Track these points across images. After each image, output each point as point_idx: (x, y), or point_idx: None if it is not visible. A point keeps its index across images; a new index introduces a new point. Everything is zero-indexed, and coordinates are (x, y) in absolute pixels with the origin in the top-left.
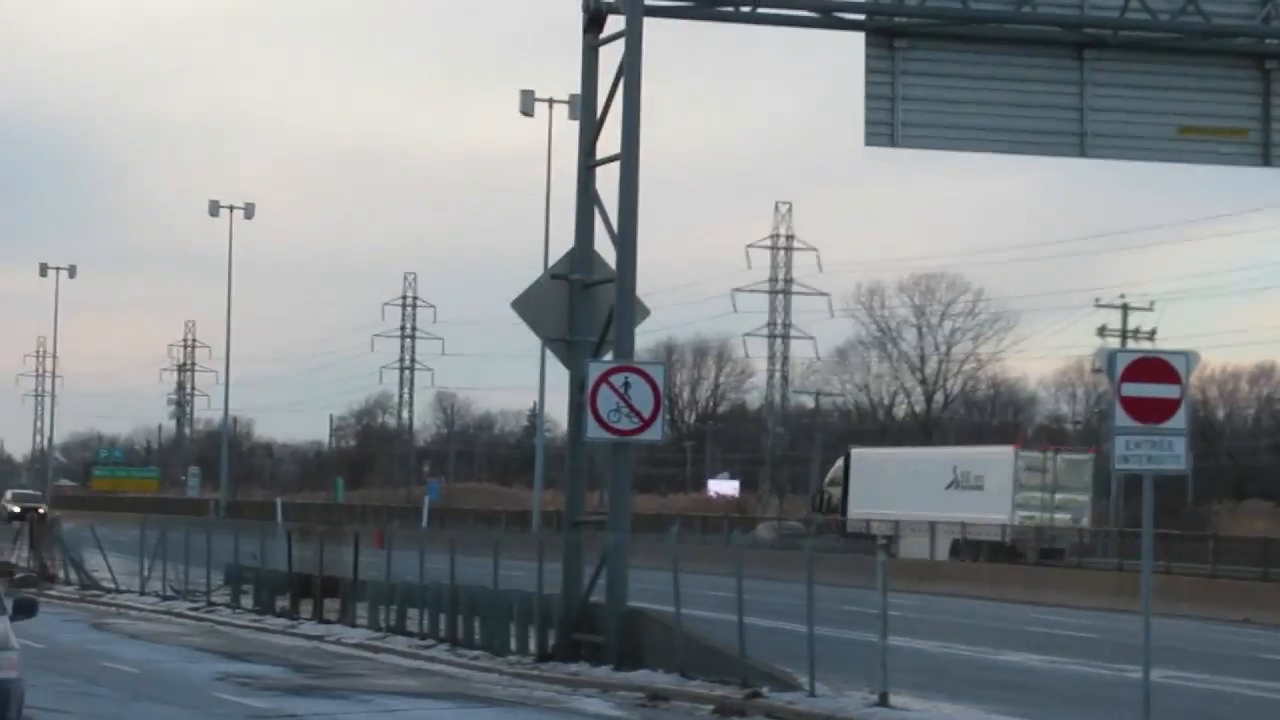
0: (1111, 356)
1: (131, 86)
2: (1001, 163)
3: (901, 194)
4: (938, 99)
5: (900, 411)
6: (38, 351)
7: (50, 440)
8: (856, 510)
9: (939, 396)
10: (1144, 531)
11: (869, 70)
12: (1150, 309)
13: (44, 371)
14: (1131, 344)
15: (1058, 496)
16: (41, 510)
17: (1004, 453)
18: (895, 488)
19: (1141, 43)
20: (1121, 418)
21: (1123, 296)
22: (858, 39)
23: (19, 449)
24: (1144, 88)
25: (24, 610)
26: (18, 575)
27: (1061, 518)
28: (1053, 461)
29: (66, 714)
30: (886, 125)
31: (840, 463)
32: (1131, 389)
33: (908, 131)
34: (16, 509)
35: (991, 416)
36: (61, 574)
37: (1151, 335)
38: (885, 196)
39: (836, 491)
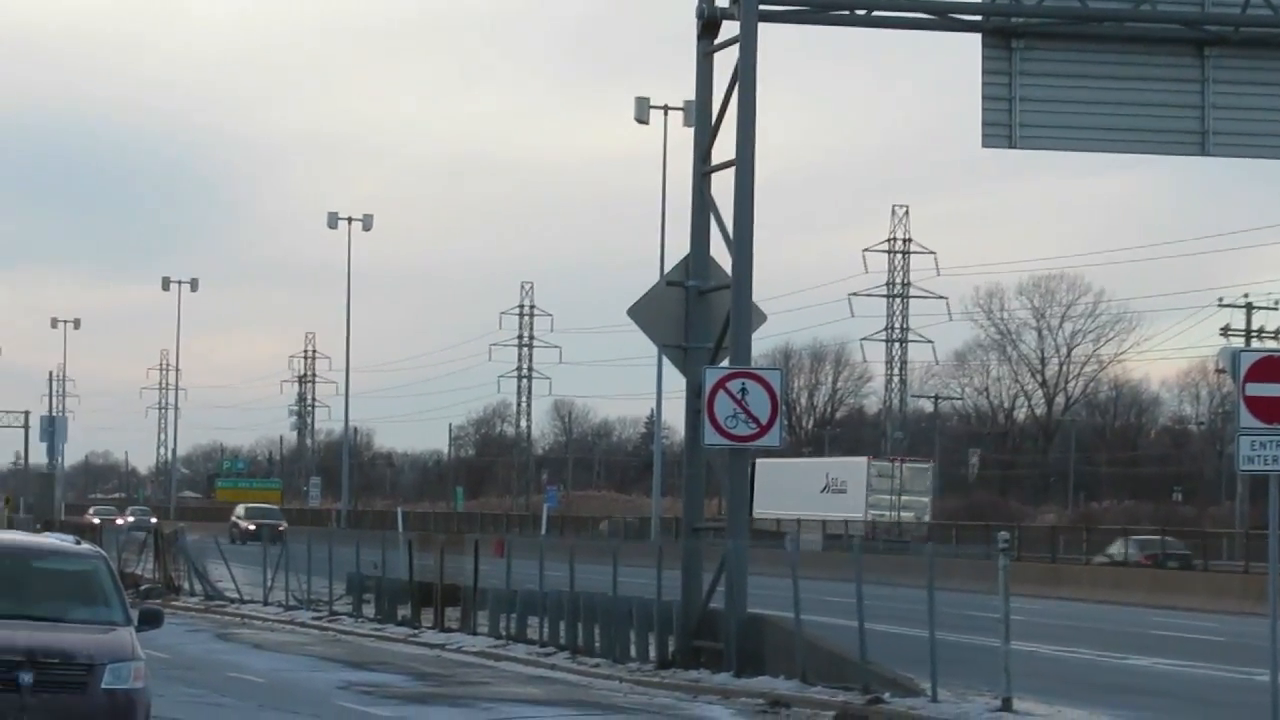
0: (1235, 356)
1: (250, 100)
2: (1113, 161)
3: (1019, 195)
4: (1056, 99)
5: (1021, 414)
6: (161, 365)
7: (174, 452)
8: (760, 511)
9: (1060, 399)
10: (1270, 534)
11: (986, 71)
12: (1275, 308)
13: (167, 384)
14: (1256, 344)
15: (903, 498)
16: (282, 528)
17: (859, 462)
18: (786, 492)
19: (1265, 39)
20: (1246, 418)
21: (1246, 296)
22: (974, 40)
23: (143, 462)
24: (1268, 84)
25: (150, 621)
26: (143, 586)
27: (906, 515)
28: (899, 470)
29: None
30: (1004, 126)
31: (748, 471)
32: (1256, 389)
33: (1025, 132)
34: (252, 527)
35: (1114, 419)
36: (186, 585)
37: (1276, 334)
38: (1003, 198)
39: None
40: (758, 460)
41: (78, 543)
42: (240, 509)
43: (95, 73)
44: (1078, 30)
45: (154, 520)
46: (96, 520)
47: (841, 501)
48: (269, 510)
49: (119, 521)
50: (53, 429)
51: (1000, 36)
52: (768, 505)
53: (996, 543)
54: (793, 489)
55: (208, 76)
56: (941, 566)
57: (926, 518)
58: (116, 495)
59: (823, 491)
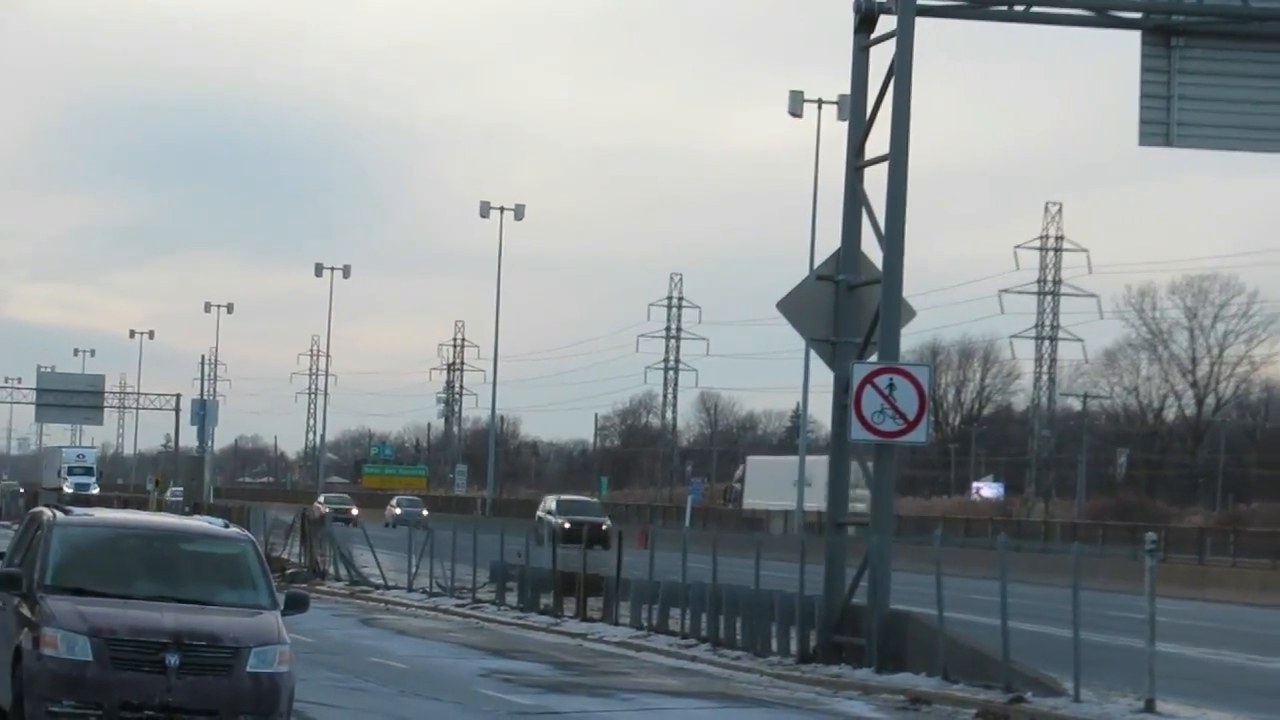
0: None
1: (406, 88)
2: (1269, 161)
3: (1174, 194)
4: (1215, 98)
5: (1170, 414)
6: (312, 350)
7: (322, 438)
8: (749, 502)
9: (1210, 400)
10: None
11: (1144, 69)
12: None
13: (317, 370)
14: None
15: (857, 491)
16: (425, 513)
17: (822, 460)
18: (769, 485)
19: None
20: None
21: None
22: (1132, 38)
23: (292, 446)
24: None
25: (296, 605)
26: (289, 571)
27: (861, 506)
28: (864, 466)
29: (336, 708)
30: (1161, 125)
31: (743, 467)
32: None
33: (1183, 131)
34: (399, 511)
35: (1265, 420)
36: (332, 570)
37: None
38: (1157, 197)
39: (740, 488)
40: (749, 457)
41: (226, 526)
42: (395, 500)
43: (253, 60)
44: (1238, 29)
45: (425, 513)
46: (326, 509)
47: (809, 494)
48: (412, 500)
49: (351, 511)
50: (203, 412)
51: (1160, 34)
52: (755, 497)
53: (1143, 543)
54: (775, 483)
55: (364, 65)
56: (1087, 566)
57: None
58: (265, 479)
59: (795, 484)
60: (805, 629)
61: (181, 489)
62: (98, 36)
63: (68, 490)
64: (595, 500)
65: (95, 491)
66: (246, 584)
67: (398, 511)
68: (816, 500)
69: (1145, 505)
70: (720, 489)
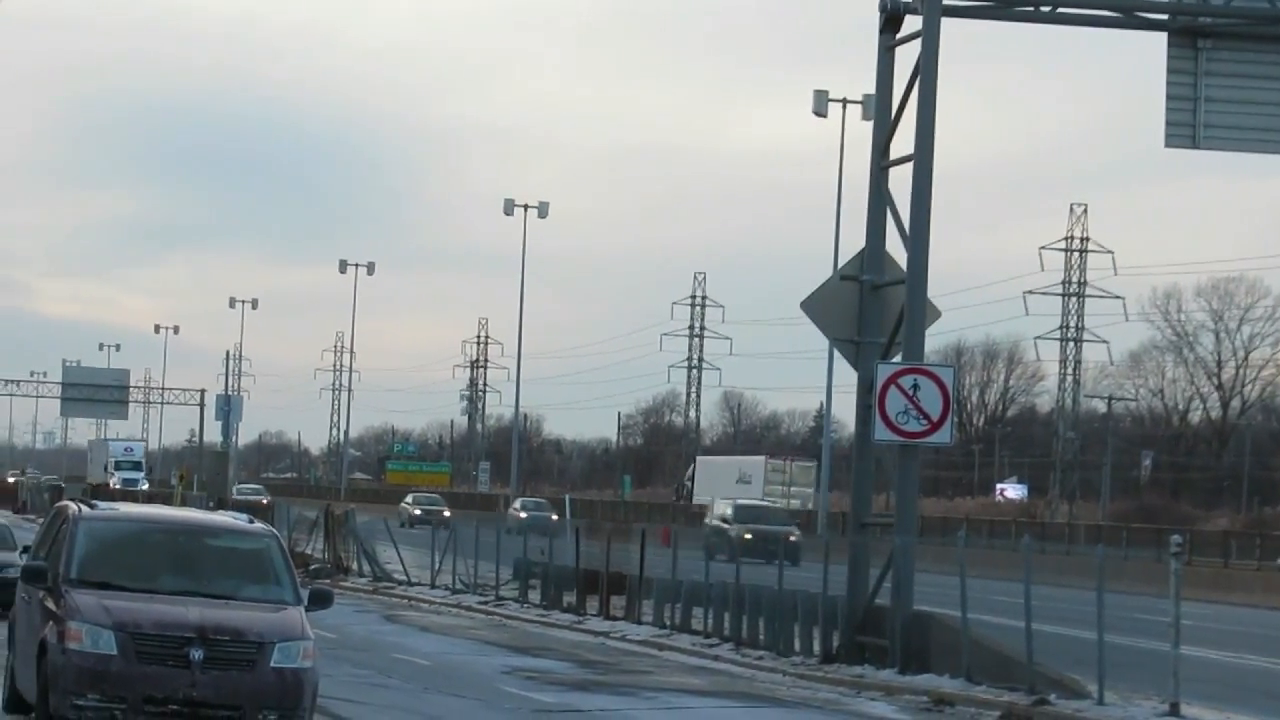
0: None
1: (430, 88)
2: None
3: (1200, 196)
4: (1242, 100)
5: (1195, 417)
6: (336, 347)
7: (346, 434)
8: (699, 497)
9: (1236, 403)
10: None
11: (1170, 71)
12: None
13: (341, 366)
14: None
15: (792, 489)
16: (447, 514)
17: (759, 461)
18: (714, 482)
19: None
20: None
21: None
22: (1158, 39)
23: (315, 442)
24: None
25: (319, 601)
26: (313, 566)
27: (794, 503)
28: (790, 467)
29: (360, 704)
30: (1188, 126)
31: (694, 466)
32: None
33: (1210, 133)
34: (418, 511)
35: None
36: (355, 566)
37: None
38: (1184, 198)
39: (690, 485)
40: (698, 458)
41: (251, 521)
42: (410, 497)
43: (278, 59)
44: (1265, 31)
45: (447, 513)
46: (417, 510)
47: (747, 491)
48: (433, 498)
49: (443, 514)
50: (228, 408)
51: (1186, 36)
52: (703, 492)
53: (1168, 546)
54: (719, 480)
55: (387, 64)
56: (1111, 568)
57: (810, 505)
58: (288, 475)
59: (736, 483)
60: (828, 629)
61: (257, 486)
62: (119, 34)
63: (116, 486)
64: (778, 505)
65: (145, 487)
66: (270, 579)
67: (416, 511)
68: (748, 497)
69: (1170, 508)
70: (674, 486)
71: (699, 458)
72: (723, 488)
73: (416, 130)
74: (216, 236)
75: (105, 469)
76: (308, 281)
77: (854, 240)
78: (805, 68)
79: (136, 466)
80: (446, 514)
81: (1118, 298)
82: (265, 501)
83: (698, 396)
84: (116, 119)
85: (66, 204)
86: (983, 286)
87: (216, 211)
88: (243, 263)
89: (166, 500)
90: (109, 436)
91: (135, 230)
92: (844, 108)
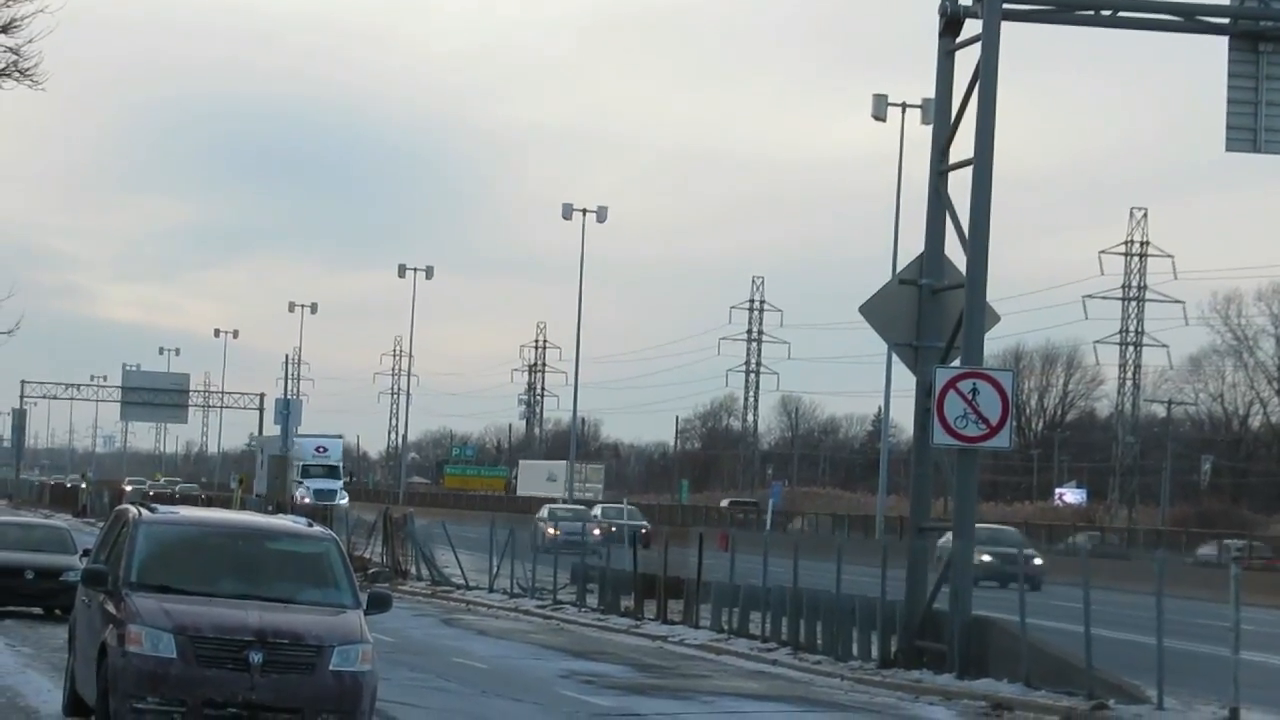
0: None
1: (490, 92)
2: None
3: (1261, 200)
4: None
5: (1255, 422)
6: (394, 351)
7: (404, 438)
8: (522, 491)
9: None
10: None
11: (1231, 75)
12: None
13: (400, 370)
14: None
15: (588, 484)
16: (645, 529)
17: (562, 464)
18: (532, 482)
19: None
20: None
21: None
22: (1219, 43)
23: (374, 447)
24: None
25: (378, 605)
26: (372, 570)
27: (589, 496)
28: (585, 469)
29: (418, 708)
30: (1249, 130)
31: (516, 468)
32: None
33: (1271, 137)
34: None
35: None
36: (413, 569)
37: None
38: (1244, 203)
39: (515, 483)
40: (520, 461)
41: (310, 525)
42: (546, 510)
43: (336, 63)
44: None
45: (598, 532)
46: (611, 528)
47: (554, 488)
48: (576, 511)
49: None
50: (287, 411)
51: (1247, 40)
52: (524, 489)
53: (1228, 550)
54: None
55: (448, 67)
56: (1171, 573)
57: (599, 498)
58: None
59: (547, 480)
60: (886, 634)
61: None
62: (181, 40)
63: (306, 501)
64: (1014, 531)
65: (345, 503)
66: (330, 583)
67: (552, 532)
68: (555, 493)
69: (1229, 513)
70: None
71: (521, 461)
72: (537, 485)
73: (478, 134)
74: (279, 241)
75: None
76: (368, 286)
77: (913, 244)
78: (865, 72)
79: (332, 473)
80: (646, 528)
81: (1178, 302)
82: (645, 529)
83: (756, 401)
84: (182, 124)
85: (132, 209)
86: (1042, 291)
87: (279, 216)
88: (304, 267)
89: (226, 504)
90: (161, 442)
91: (200, 235)
92: (903, 112)
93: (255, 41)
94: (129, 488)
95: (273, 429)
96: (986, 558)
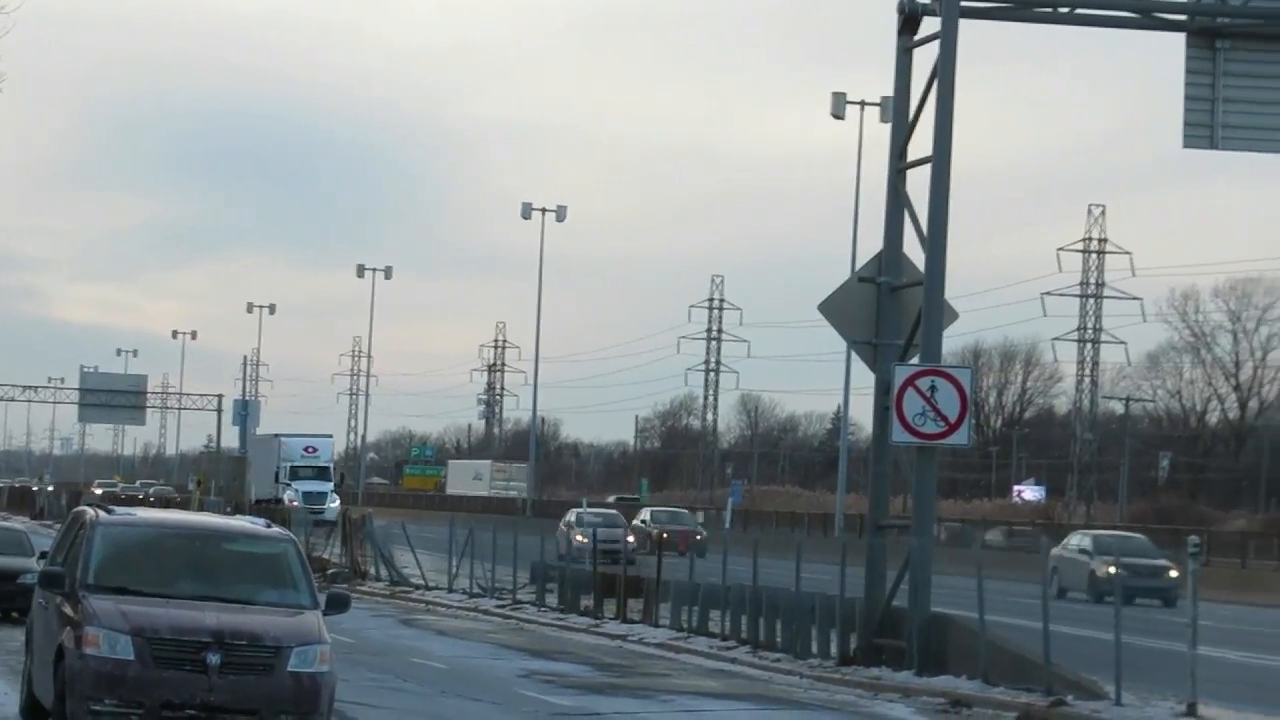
0: None
1: (449, 91)
2: None
3: (1218, 197)
4: (1261, 100)
5: (1213, 418)
6: (353, 351)
7: (363, 438)
8: (450, 490)
9: (1253, 404)
10: None
11: (1189, 71)
12: None
13: (359, 371)
14: None
15: (511, 483)
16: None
17: (487, 464)
18: (460, 480)
19: None
20: None
21: None
22: (1176, 40)
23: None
24: None
25: (337, 605)
26: (330, 571)
27: (512, 493)
28: (510, 467)
29: (377, 708)
30: (1206, 127)
31: (446, 467)
32: None
33: (1228, 134)
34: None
35: None
36: (372, 570)
37: None
38: (1202, 199)
39: (444, 480)
40: (450, 461)
41: (268, 526)
42: (573, 514)
43: (298, 62)
44: None
45: (701, 535)
46: (652, 530)
47: (480, 485)
48: (610, 516)
49: (696, 537)
50: (245, 412)
51: (1204, 36)
52: (453, 488)
53: (1186, 547)
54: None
55: (408, 66)
56: None
57: (525, 494)
58: None
59: (473, 479)
60: (845, 631)
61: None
62: (139, 37)
63: (297, 505)
64: (1144, 538)
65: (335, 505)
66: (288, 583)
67: (581, 539)
68: (481, 490)
69: (1188, 509)
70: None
71: (450, 461)
72: (465, 485)
73: (438, 133)
74: (238, 241)
75: (276, 479)
76: (328, 286)
77: (872, 243)
78: (825, 70)
79: (323, 475)
80: (701, 535)
81: (1135, 299)
82: (700, 537)
83: (715, 399)
84: (142, 122)
85: (90, 209)
86: (1000, 288)
87: (239, 216)
88: (264, 267)
89: (184, 505)
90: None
91: (158, 235)
92: (862, 110)
93: (215, 38)
94: (98, 490)
95: (231, 429)
96: (1113, 570)
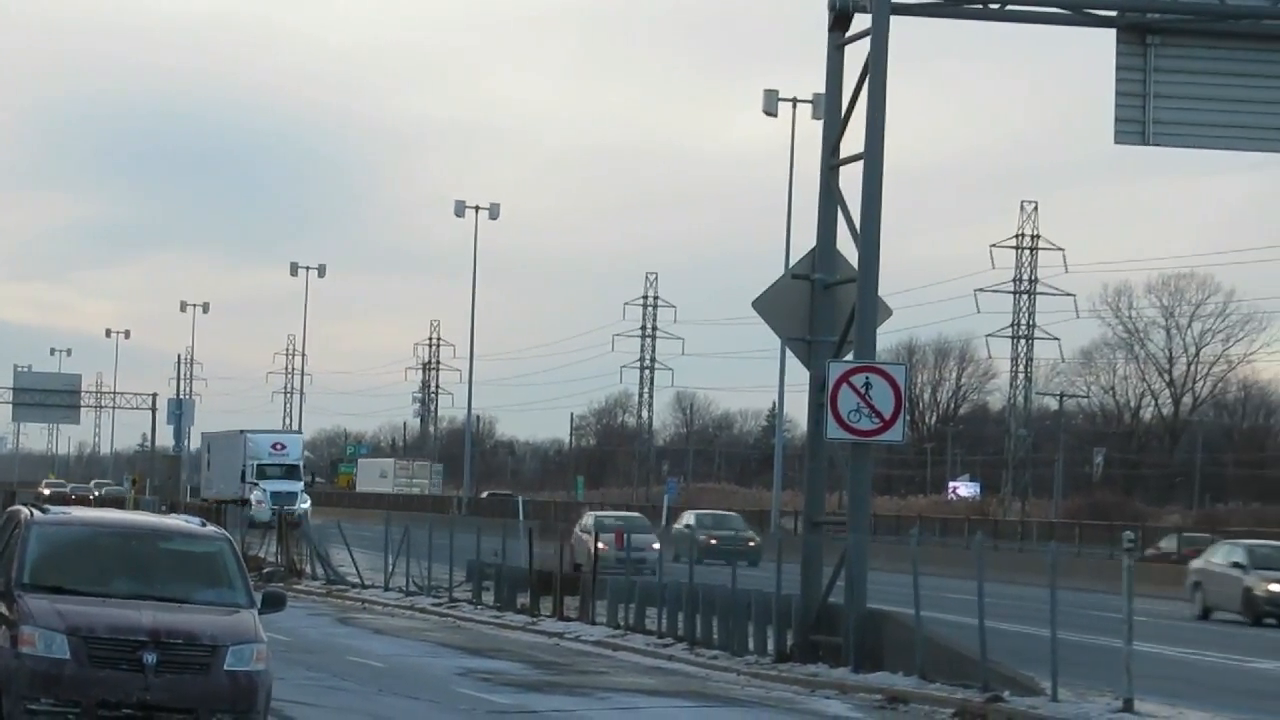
0: None
1: (381, 88)
2: (1243, 160)
3: (1150, 193)
4: (1191, 96)
5: (1147, 414)
6: (287, 350)
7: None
8: (361, 488)
9: (1187, 399)
10: None
11: (1120, 67)
12: None
13: (293, 369)
14: None
15: (414, 480)
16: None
17: (390, 461)
18: (369, 479)
19: None
20: None
21: None
22: (1107, 36)
23: None
24: None
25: (273, 604)
26: (266, 570)
27: (415, 490)
28: (412, 465)
29: (314, 707)
30: (1137, 123)
31: (356, 467)
32: None
33: (1159, 129)
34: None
35: (1242, 420)
36: (308, 569)
37: None
38: (1134, 195)
39: (356, 480)
40: (360, 460)
41: (203, 524)
42: (590, 518)
43: (229, 60)
44: (1214, 27)
45: (657, 545)
46: (697, 527)
47: (384, 484)
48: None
49: (749, 544)
50: (180, 411)
51: (1135, 33)
52: (362, 486)
53: (1120, 542)
54: (370, 476)
55: (342, 64)
56: (1064, 565)
57: (430, 491)
58: None
59: (379, 477)
60: (782, 628)
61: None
62: (73, 37)
63: (266, 507)
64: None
65: (306, 507)
66: (224, 582)
67: (600, 546)
68: (387, 488)
69: (1122, 505)
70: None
71: (360, 460)
72: (372, 482)
73: (372, 131)
74: (170, 240)
75: (242, 477)
76: (260, 284)
77: (805, 239)
78: (758, 67)
79: (292, 474)
80: (754, 541)
81: (1069, 295)
82: (753, 544)
83: (650, 397)
84: (73, 121)
85: (21, 208)
86: (934, 285)
87: (172, 215)
88: (198, 266)
89: (119, 504)
90: (54, 443)
91: (92, 234)
92: (794, 107)
93: (145, 38)
94: (47, 490)
95: (165, 429)
96: (1274, 587)
